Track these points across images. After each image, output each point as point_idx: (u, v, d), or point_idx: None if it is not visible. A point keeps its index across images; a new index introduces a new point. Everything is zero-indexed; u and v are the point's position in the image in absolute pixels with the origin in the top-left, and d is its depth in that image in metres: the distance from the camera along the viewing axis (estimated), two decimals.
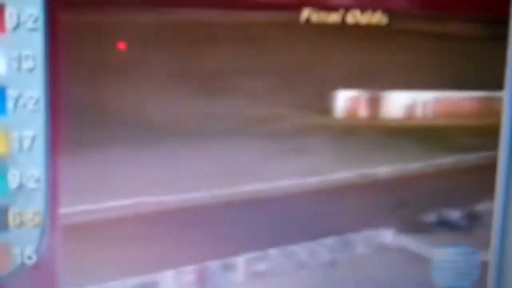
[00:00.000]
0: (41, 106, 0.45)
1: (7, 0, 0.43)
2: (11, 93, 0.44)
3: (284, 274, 0.51)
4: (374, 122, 0.49)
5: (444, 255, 0.53)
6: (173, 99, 0.47)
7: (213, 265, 0.50)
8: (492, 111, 0.51)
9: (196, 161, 0.48)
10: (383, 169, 0.50)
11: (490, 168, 0.51)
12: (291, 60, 0.48)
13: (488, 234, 0.53)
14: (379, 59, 0.48)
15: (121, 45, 0.46)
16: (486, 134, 0.51)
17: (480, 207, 0.52)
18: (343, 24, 0.47)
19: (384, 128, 0.50)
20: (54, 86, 0.45)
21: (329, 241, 0.51)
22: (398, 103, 0.50)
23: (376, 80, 0.49)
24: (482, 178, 0.52)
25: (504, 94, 0.52)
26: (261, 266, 0.50)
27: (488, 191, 0.51)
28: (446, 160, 0.51)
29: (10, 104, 0.44)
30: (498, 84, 0.50)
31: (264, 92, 0.48)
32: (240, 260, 0.50)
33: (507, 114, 0.52)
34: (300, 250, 0.50)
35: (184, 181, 0.48)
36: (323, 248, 0.51)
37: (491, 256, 0.53)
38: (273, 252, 0.50)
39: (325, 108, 0.48)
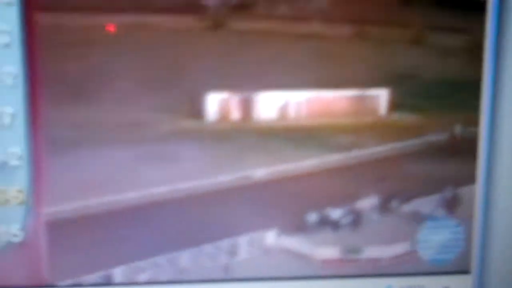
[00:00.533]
0: (20, 82, 0.44)
1: None
2: None
3: (168, 282, 0.50)
4: (247, 124, 0.49)
5: (428, 228, 0.54)
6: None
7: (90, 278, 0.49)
8: (366, 109, 0.51)
9: (63, 172, 0.47)
10: (260, 171, 0.50)
11: (366, 165, 0.51)
12: (159, 63, 0.47)
13: (373, 230, 0.53)
14: (249, 60, 0.48)
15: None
16: (360, 132, 0.52)
17: (362, 204, 0.53)
18: (214, 26, 0.47)
19: (258, 130, 0.49)
20: (32, 62, 0.44)
21: (211, 247, 0.50)
22: (270, 104, 0.50)
23: (247, 82, 0.49)
24: (360, 175, 0.52)
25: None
26: (143, 276, 0.49)
27: (366, 188, 0.52)
28: (322, 159, 0.51)
29: None
30: (371, 82, 0.51)
31: (133, 97, 0.47)
32: (118, 272, 0.49)
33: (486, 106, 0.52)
34: (183, 256, 0.50)
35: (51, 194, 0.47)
36: (205, 254, 0.50)
37: (474, 227, 0.54)
38: (154, 260, 0.49)
39: (197, 112, 0.48)
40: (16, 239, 0.47)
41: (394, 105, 0.52)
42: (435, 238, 0.54)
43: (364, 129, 0.52)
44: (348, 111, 0.52)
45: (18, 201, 0.47)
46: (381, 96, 0.52)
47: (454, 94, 0.54)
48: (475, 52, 0.52)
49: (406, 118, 0.53)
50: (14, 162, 0.46)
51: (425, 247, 0.54)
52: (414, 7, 0.51)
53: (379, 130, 0.52)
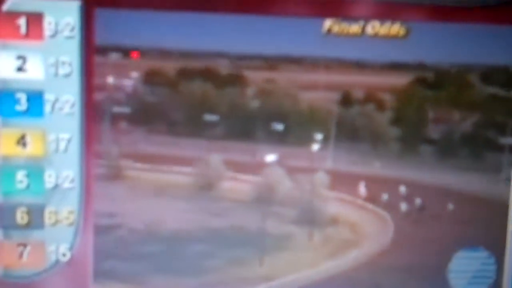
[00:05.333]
0: (77, 110, 0.47)
1: (45, 9, 0.45)
2: (48, 97, 0.46)
3: None
4: None
5: (460, 259, 0.56)
6: None
7: None
8: None
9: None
10: None
11: None
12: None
13: None
14: None
15: None
16: None
17: None
18: None
19: None
20: (88, 91, 0.47)
21: None
22: None
23: None
24: None
25: None
26: None
27: None
28: None
29: (47, 107, 0.46)
30: None
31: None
32: None
33: None
34: None
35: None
36: None
37: (506, 258, 0.56)
38: None
39: None
40: (64, 259, 0.49)
41: None
42: (467, 269, 0.56)
43: None
44: None
45: (69, 222, 0.48)
46: None
47: None
48: None
49: None
50: (67, 185, 0.48)
51: (457, 277, 0.56)
52: None
53: None
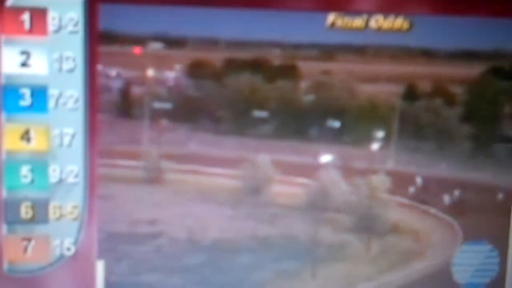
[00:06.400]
0: (81, 105, 0.48)
1: (49, 4, 0.46)
2: (52, 92, 0.47)
3: None
4: None
5: (463, 252, 0.55)
6: None
7: None
8: None
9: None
10: None
11: None
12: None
13: None
14: None
15: None
16: None
17: None
18: None
19: None
20: (92, 86, 0.47)
21: None
22: None
23: None
24: None
25: None
26: None
27: None
28: None
29: (51, 102, 0.47)
30: None
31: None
32: None
33: None
34: None
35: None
36: None
37: (509, 252, 0.55)
38: None
39: None
40: (69, 253, 0.49)
41: None
42: (470, 262, 0.55)
43: None
44: None
45: (73, 216, 0.49)
46: None
47: None
48: None
49: None
50: (71, 179, 0.48)
51: (460, 271, 0.55)
52: None
53: None
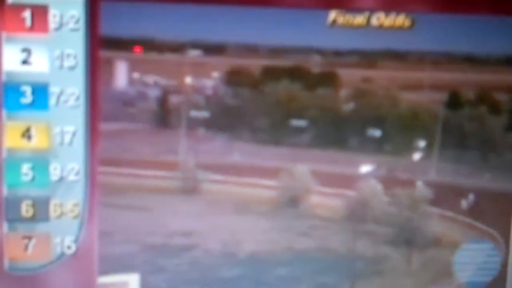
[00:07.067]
0: (82, 102, 0.47)
1: (50, 2, 0.46)
2: (53, 89, 0.47)
3: None
4: None
5: (465, 251, 0.54)
6: None
7: None
8: None
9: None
10: None
11: None
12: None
13: None
14: None
15: None
16: None
17: None
18: None
19: None
20: (93, 84, 0.47)
21: None
22: None
23: None
24: None
25: None
26: None
27: None
28: None
29: (52, 100, 0.47)
30: None
31: None
32: None
33: None
34: None
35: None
36: None
37: (511, 250, 0.54)
38: None
39: None
40: (70, 251, 0.49)
41: None
42: (472, 261, 0.54)
43: None
44: None
45: (73, 214, 0.48)
46: None
47: None
48: None
49: None
50: (72, 177, 0.48)
51: (461, 269, 0.54)
52: None
53: None
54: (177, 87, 0.51)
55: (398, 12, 0.49)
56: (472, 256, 0.54)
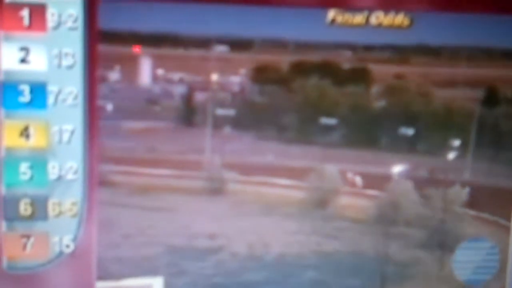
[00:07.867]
0: (80, 101, 0.48)
1: (48, 0, 0.46)
2: (52, 88, 0.47)
3: None
4: None
5: (464, 249, 0.54)
6: None
7: None
8: None
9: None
10: None
11: None
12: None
13: None
14: None
15: None
16: None
17: None
18: None
19: None
20: (92, 82, 0.47)
21: None
22: None
23: None
24: None
25: None
26: None
27: None
28: None
29: (50, 99, 0.47)
30: None
31: None
32: None
33: None
34: None
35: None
36: None
37: (510, 249, 0.54)
38: None
39: None
40: (68, 250, 0.49)
41: None
42: (471, 259, 0.54)
43: None
44: None
45: (72, 213, 0.49)
46: None
47: None
48: None
49: None
50: (70, 176, 0.48)
51: (460, 267, 0.54)
52: None
53: None
54: (203, 84, 0.50)
55: (397, 11, 0.48)
56: (471, 255, 0.54)
